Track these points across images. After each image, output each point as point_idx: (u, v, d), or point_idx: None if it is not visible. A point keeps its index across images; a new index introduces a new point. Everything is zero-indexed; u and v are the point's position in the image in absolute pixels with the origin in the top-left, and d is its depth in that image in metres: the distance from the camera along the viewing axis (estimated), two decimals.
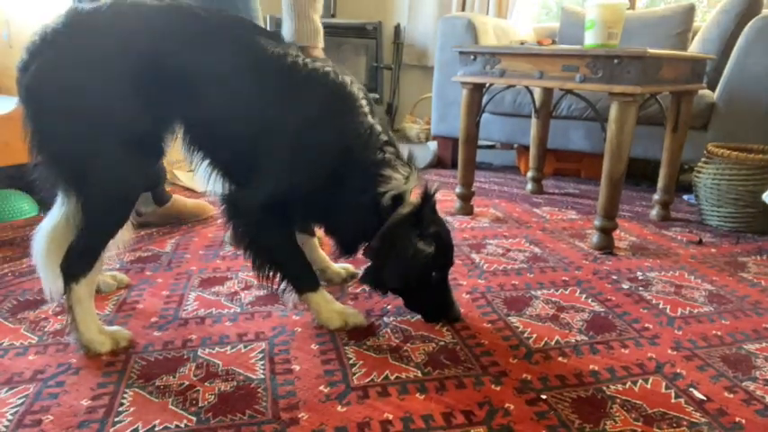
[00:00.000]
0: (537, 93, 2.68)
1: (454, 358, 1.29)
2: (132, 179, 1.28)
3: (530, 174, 2.88)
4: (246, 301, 1.56)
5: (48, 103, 1.20)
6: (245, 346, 1.32)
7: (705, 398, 1.17)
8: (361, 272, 1.73)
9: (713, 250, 2.06)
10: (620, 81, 1.83)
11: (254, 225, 1.35)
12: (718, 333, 1.44)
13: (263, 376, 1.20)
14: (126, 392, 1.14)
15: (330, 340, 1.36)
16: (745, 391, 1.20)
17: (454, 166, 3.31)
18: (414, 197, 1.40)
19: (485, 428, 1.06)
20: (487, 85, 2.28)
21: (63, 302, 1.45)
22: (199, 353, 1.29)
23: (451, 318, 1.44)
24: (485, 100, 2.30)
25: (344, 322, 1.41)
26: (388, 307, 1.54)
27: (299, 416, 1.08)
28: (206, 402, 1.11)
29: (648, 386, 1.20)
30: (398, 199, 1.36)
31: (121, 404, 1.10)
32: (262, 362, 1.26)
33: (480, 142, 3.54)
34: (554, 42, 2.31)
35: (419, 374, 1.22)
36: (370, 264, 1.41)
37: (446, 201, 2.63)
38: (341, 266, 1.73)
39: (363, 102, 1.36)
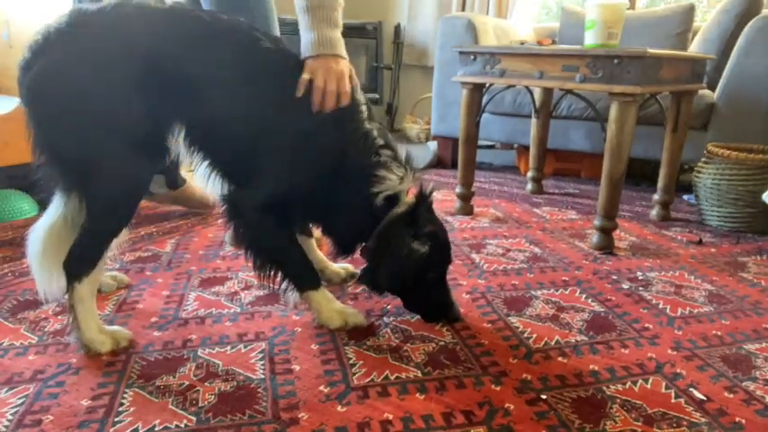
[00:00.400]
0: (537, 93, 2.68)
1: (454, 358, 1.29)
2: (136, 179, 1.29)
3: (530, 174, 2.88)
4: (246, 301, 1.56)
5: (51, 103, 1.20)
6: (245, 346, 1.32)
7: (705, 398, 1.17)
8: (360, 272, 1.74)
9: (713, 250, 2.06)
10: (620, 81, 1.83)
11: (255, 225, 1.35)
12: (718, 333, 1.44)
13: (263, 376, 1.21)
14: (126, 392, 1.14)
15: (330, 340, 1.36)
16: (745, 391, 1.20)
17: (454, 166, 3.31)
18: (410, 197, 1.40)
19: (485, 428, 1.06)
20: (487, 85, 2.28)
21: (64, 302, 1.45)
22: (199, 353, 1.29)
23: (451, 318, 1.44)
24: (485, 100, 2.30)
25: (345, 322, 1.41)
26: (388, 307, 1.54)
27: (299, 416, 1.08)
28: (206, 402, 1.11)
29: (648, 386, 1.20)
30: (393, 199, 1.37)
31: (121, 404, 1.10)
32: (262, 362, 1.26)
33: (480, 142, 3.54)
34: (554, 42, 2.31)
35: (419, 374, 1.22)
36: (366, 264, 1.41)
37: (446, 201, 2.63)
38: (340, 266, 1.73)
39: (362, 107, 1.37)
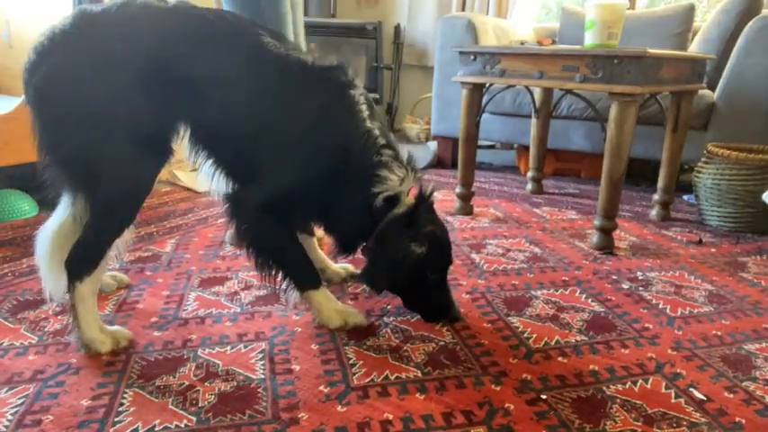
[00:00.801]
0: (537, 93, 2.68)
1: (454, 358, 1.29)
2: (140, 179, 1.29)
3: (530, 174, 2.87)
4: (246, 301, 1.56)
5: (57, 105, 1.20)
6: (245, 346, 1.32)
7: (705, 398, 1.17)
8: (360, 272, 1.74)
9: (713, 250, 2.06)
10: (620, 81, 1.83)
11: (256, 224, 1.36)
12: (718, 333, 1.44)
13: (263, 376, 1.21)
14: (126, 392, 1.14)
15: (330, 340, 1.36)
16: (745, 391, 1.20)
17: (454, 166, 3.31)
18: (411, 198, 1.40)
19: (485, 428, 1.06)
20: (487, 85, 2.28)
21: (66, 301, 1.45)
22: (199, 353, 1.29)
23: (451, 318, 1.44)
24: (485, 100, 2.30)
25: (345, 322, 1.41)
26: (388, 307, 1.54)
27: (299, 416, 1.08)
28: (206, 402, 1.11)
29: (648, 386, 1.20)
30: (394, 200, 1.37)
31: (121, 404, 1.10)
32: (262, 362, 1.26)
33: (480, 142, 3.54)
34: (554, 42, 2.31)
35: (419, 374, 1.22)
36: (366, 264, 1.41)
37: (446, 201, 2.63)
38: (340, 266, 1.73)
39: (363, 106, 1.37)
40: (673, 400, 1.16)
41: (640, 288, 1.71)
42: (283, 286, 1.42)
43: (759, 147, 2.40)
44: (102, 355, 1.27)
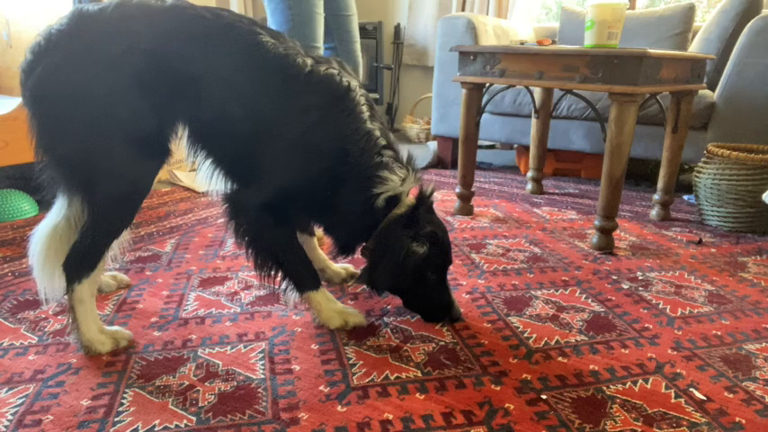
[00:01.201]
0: (537, 93, 2.68)
1: (454, 358, 1.29)
2: (139, 180, 1.29)
3: (530, 174, 2.88)
4: (246, 301, 1.56)
5: (54, 105, 1.20)
6: (245, 346, 1.32)
7: (705, 398, 1.17)
8: (360, 272, 1.74)
9: (713, 250, 2.06)
10: (620, 81, 1.83)
11: (256, 224, 1.35)
12: (718, 333, 1.44)
13: (263, 376, 1.21)
14: (126, 392, 1.14)
15: (330, 340, 1.36)
16: (745, 391, 1.20)
17: (454, 166, 3.31)
18: (411, 198, 1.40)
19: (485, 428, 1.06)
20: (487, 85, 2.28)
21: (64, 302, 1.45)
22: (199, 353, 1.29)
23: (452, 318, 1.44)
24: (485, 100, 2.30)
25: (345, 322, 1.41)
26: (388, 307, 1.54)
27: (299, 416, 1.08)
28: (206, 402, 1.11)
29: (648, 386, 1.20)
30: (394, 200, 1.37)
31: (121, 404, 1.10)
32: (262, 362, 1.26)
33: (480, 142, 3.55)
34: (554, 42, 2.31)
35: (419, 374, 1.22)
36: (366, 264, 1.41)
37: (446, 201, 2.63)
38: (341, 266, 1.73)
39: (364, 107, 1.36)
40: (673, 400, 1.16)
41: (640, 288, 1.71)
42: (283, 287, 1.42)
43: (759, 147, 2.40)
44: (102, 355, 1.27)
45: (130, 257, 1.85)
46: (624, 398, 1.16)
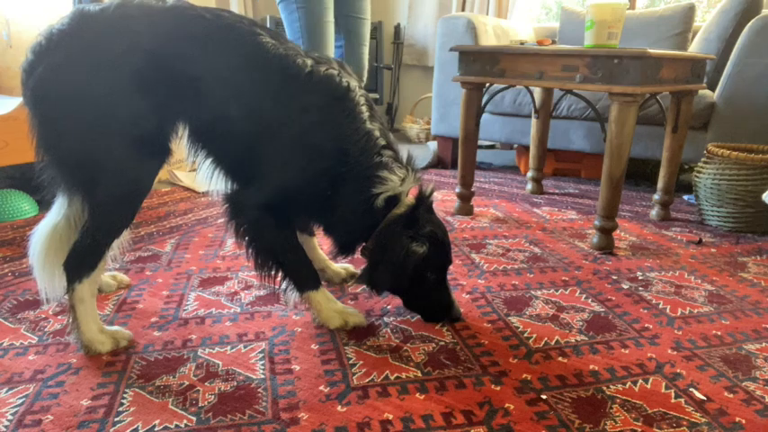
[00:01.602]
0: (537, 93, 2.68)
1: (454, 358, 1.29)
2: (139, 180, 1.29)
3: (530, 174, 2.88)
4: (246, 301, 1.56)
5: (54, 105, 1.20)
6: (245, 346, 1.32)
7: (705, 398, 1.17)
8: (360, 272, 1.74)
9: (713, 250, 2.06)
10: (620, 81, 1.83)
11: (256, 224, 1.35)
12: (718, 333, 1.44)
13: (263, 376, 1.21)
14: (126, 392, 1.14)
15: (330, 340, 1.36)
16: (745, 391, 1.20)
17: (454, 166, 3.31)
18: (411, 198, 1.41)
19: (485, 428, 1.06)
20: (487, 85, 2.28)
21: (64, 302, 1.45)
22: (199, 353, 1.29)
23: (452, 318, 1.44)
24: (485, 100, 2.30)
25: (345, 322, 1.41)
26: (388, 307, 1.54)
27: (299, 416, 1.08)
28: (206, 402, 1.11)
29: (648, 386, 1.20)
30: (394, 200, 1.37)
31: (121, 404, 1.10)
32: (262, 362, 1.26)
33: (480, 142, 3.55)
34: (554, 42, 2.31)
35: (419, 374, 1.22)
36: (366, 264, 1.41)
37: (446, 201, 2.63)
38: (341, 266, 1.73)
39: (363, 108, 1.36)
40: (673, 400, 1.16)
41: (640, 288, 1.71)
42: (283, 286, 1.42)
43: (759, 147, 2.40)
44: (102, 354, 1.27)
45: (130, 257, 1.85)
46: (624, 398, 1.16)
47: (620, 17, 2.00)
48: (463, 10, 4.07)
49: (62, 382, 1.17)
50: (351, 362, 1.27)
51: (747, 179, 2.20)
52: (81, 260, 1.26)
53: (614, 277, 1.78)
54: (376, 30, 4.39)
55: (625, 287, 1.71)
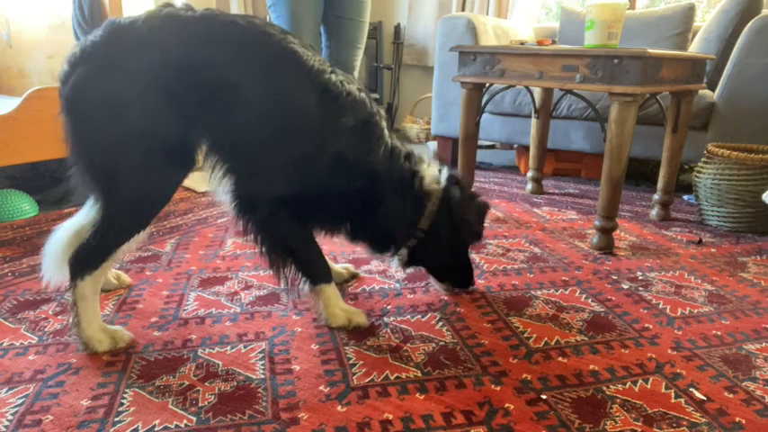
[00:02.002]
0: (537, 93, 2.68)
1: (454, 358, 1.29)
2: (164, 188, 1.31)
3: (530, 174, 2.88)
4: (246, 301, 1.56)
5: (85, 113, 1.22)
6: (245, 346, 1.32)
7: (705, 398, 1.17)
8: (361, 272, 1.74)
9: (713, 250, 2.06)
10: (620, 81, 1.83)
11: (270, 218, 1.36)
12: (718, 333, 1.44)
13: (263, 376, 1.21)
14: (126, 392, 1.14)
15: (330, 340, 1.36)
16: (745, 391, 1.20)
17: (454, 166, 3.31)
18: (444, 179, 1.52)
19: (485, 428, 1.06)
20: (487, 85, 2.28)
21: (64, 302, 1.45)
22: (199, 353, 1.29)
23: (472, 285, 1.63)
24: (485, 100, 2.30)
25: (348, 321, 1.42)
26: (388, 307, 1.54)
27: (299, 416, 1.08)
28: (206, 402, 1.11)
29: (648, 386, 1.20)
30: (429, 188, 1.47)
31: (121, 404, 1.10)
32: (262, 362, 1.26)
33: (480, 142, 3.55)
34: (554, 42, 2.31)
35: (419, 374, 1.23)
36: (418, 245, 1.50)
37: None
38: (342, 267, 1.74)
39: (386, 130, 1.43)
40: (673, 400, 1.16)
41: (640, 288, 1.71)
42: (295, 280, 1.42)
43: (759, 147, 2.40)
44: (99, 353, 1.27)
45: (130, 257, 1.85)
46: (624, 398, 1.16)
47: (620, 17, 2.00)
48: (463, 10, 4.08)
49: (62, 382, 1.17)
50: (351, 362, 1.27)
51: (747, 179, 2.20)
52: (87, 258, 1.27)
53: (614, 277, 1.78)
54: (376, 30, 4.39)
55: (625, 287, 1.71)
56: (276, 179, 1.35)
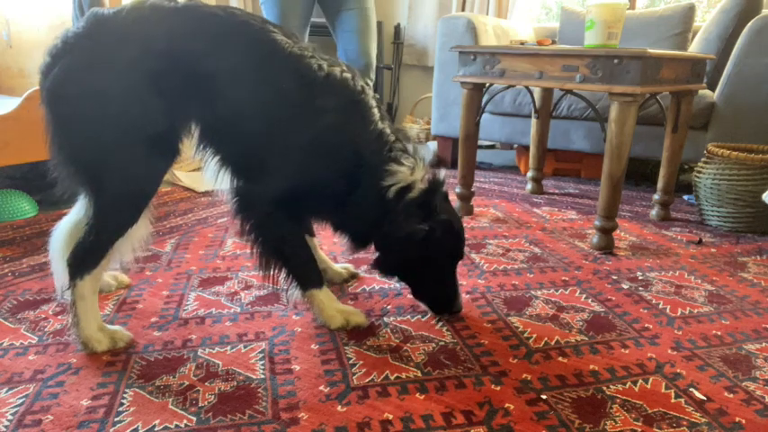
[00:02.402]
0: (537, 93, 2.68)
1: (454, 358, 1.29)
2: (148, 179, 1.30)
3: (530, 174, 2.88)
4: (246, 301, 1.56)
5: (68, 105, 1.22)
6: (245, 346, 1.32)
7: (705, 398, 1.17)
8: (361, 272, 1.74)
9: (713, 250, 2.06)
10: (620, 81, 1.83)
11: (266, 218, 1.36)
12: (718, 333, 1.44)
13: (263, 376, 1.21)
14: (126, 392, 1.14)
15: (330, 340, 1.36)
16: (745, 391, 1.20)
17: (454, 166, 3.31)
18: (424, 185, 1.42)
19: (485, 428, 1.06)
20: (487, 85, 2.28)
21: (65, 302, 1.45)
22: (199, 353, 1.29)
23: (452, 311, 1.46)
24: (485, 100, 2.30)
25: (346, 321, 1.41)
26: (388, 307, 1.54)
27: (299, 416, 1.08)
28: (206, 402, 1.11)
29: (648, 386, 1.20)
30: (406, 189, 1.37)
31: (121, 404, 1.10)
32: (262, 362, 1.26)
33: (480, 142, 3.55)
34: (554, 42, 2.31)
35: (419, 374, 1.22)
36: (379, 252, 1.43)
37: None
38: (341, 266, 1.74)
39: (375, 110, 1.38)
40: (673, 400, 1.16)
41: (640, 288, 1.71)
42: (285, 284, 1.42)
43: (759, 147, 2.40)
44: (98, 353, 1.27)
45: (130, 257, 1.85)
46: (624, 398, 1.16)
47: (620, 17, 2.00)
48: (463, 10, 4.07)
49: (62, 382, 1.17)
50: (351, 362, 1.27)
51: (747, 179, 2.20)
52: (83, 257, 1.27)
53: (614, 277, 1.78)
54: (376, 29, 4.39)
55: (625, 287, 1.71)
56: (264, 167, 1.35)
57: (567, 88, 2.02)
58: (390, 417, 1.08)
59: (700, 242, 2.14)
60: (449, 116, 3.29)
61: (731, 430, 1.07)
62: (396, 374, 1.22)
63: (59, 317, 1.45)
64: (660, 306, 1.59)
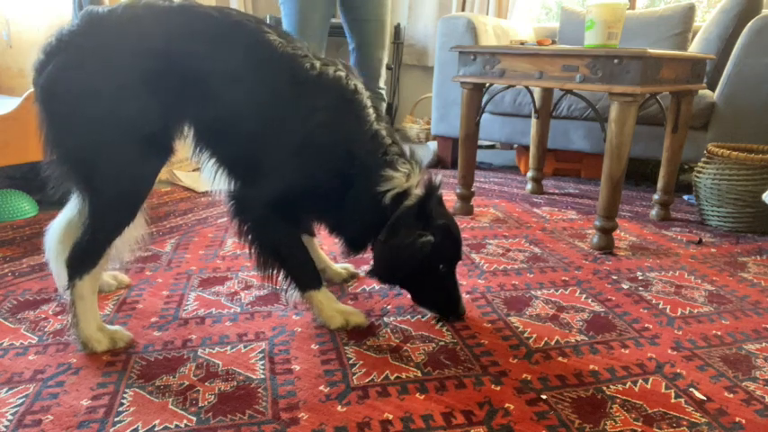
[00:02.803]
0: (537, 93, 2.68)
1: (454, 358, 1.29)
2: (142, 178, 1.30)
3: (530, 174, 2.88)
4: (246, 301, 1.56)
5: (62, 103, 1.22)
6: (245, 346, 1.32)
7: (705, 398, 1.17)
8: (361, 272, 1.74)
9: (713, 250, 2.06)
10: (620, 81, 1.83)
11: (261, 221, 1.36)
12: (718, 333, 1.44)
13: (263, 376, 1.21)
14: (126, 392, 1.14)
15: (330, 340, 1.36)
16: (745, 391, 1.20)
17: (454, 166, 3.31)
18: (420, 191, 1.41)
19: (485, 428, 1.06)
20: (487, 85, 2.28)
21: (64, 302, 1.45)
22: (199, 353, 1.29)
23: (457, 314, 1.45)
24: (485, 100, 2.30)
25: (346, 321, 1.41)
26: (388, 307, 1.54)
27: (299, 416, 1.08)
28: (206, 402, 1.11)
29: (648, 386, 1.20)
30: (403, 196, 1.37)
31: (121, 404, 1.10)
32: (262, 362, 1.26)
33: (480, 142, 3.55)
34: (554, 42, 2.31)
35: (419, 374, 1.22)
36: (375, 258, 1.42)
37: (446, 201, 2.62)
38: (341, 266, 1.73)
39: (370, 110, 1.38)
40: (673, 400, 1.16)
41: (640, 288, 1.71)
42: (284, 286, 1.42)
43: (759, 147, 2.40)
44: (98, 353, 1.27)
45: (130, 257, 1.85)
46: (624, 398, 1.16)
47: (620, 17, 2.00)
48: (463, 10, 4.07)
49: (62, 382, 1.17)
50: (351, 362, 1.27)
51: (747, 179, 2.20)
52: (81, 257, 1.27)
53: (614, 277, 1.78)
54: None
55: (625, 287, 1.71)
56: (258, 168, 1.35)
57: (566, 88, 2.02)
58: (390, 417, 1.08)
59: (700, 242, 2.14)
60: (449, 116, 3.29)
61: (731, 430, 1.07)
62: (396, 374, 1.22)
63: (59, 317, 1.45)
64: (660, 306, 1.59)
